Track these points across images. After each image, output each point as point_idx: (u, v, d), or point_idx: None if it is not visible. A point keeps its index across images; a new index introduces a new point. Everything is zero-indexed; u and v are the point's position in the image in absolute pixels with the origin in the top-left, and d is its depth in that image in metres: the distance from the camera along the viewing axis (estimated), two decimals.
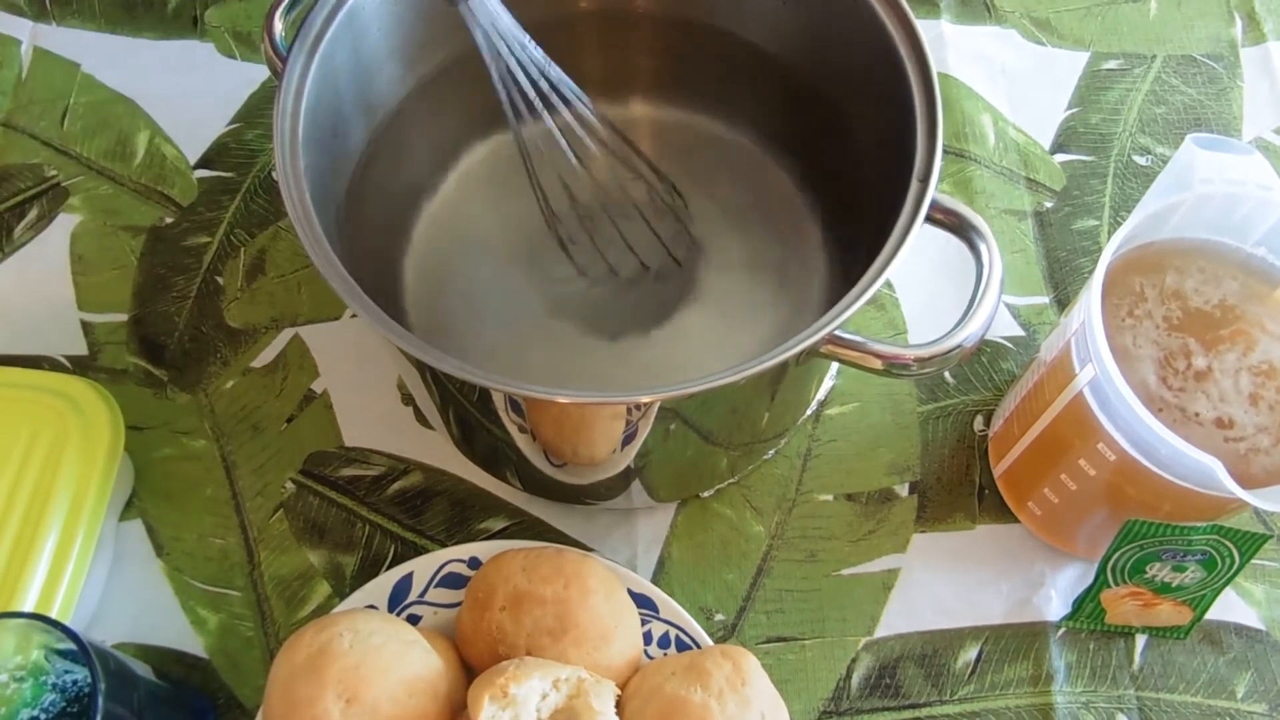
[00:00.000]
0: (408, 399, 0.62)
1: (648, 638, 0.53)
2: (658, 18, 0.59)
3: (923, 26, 0.49)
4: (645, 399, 0.43)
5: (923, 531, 0.59)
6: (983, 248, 0.45)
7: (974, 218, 0.46)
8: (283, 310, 0.64)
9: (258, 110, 0.70)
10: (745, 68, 0.59)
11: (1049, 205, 0.68)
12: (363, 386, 0.62)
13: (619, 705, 0.48)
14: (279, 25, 0.51)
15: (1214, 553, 0.49)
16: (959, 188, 0.68)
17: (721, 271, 0.59)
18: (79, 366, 0.62)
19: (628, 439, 0.49)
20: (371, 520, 0.59)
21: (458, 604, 0.53)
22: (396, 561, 0.57)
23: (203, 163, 0.68)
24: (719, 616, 0.57)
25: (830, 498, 0.60)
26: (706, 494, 0.60)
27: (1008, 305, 0.65)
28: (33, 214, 0.67)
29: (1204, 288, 0.50)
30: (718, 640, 0.56)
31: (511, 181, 0.61)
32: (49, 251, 0.66)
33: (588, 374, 0.58)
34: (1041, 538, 0.58)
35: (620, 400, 0.44)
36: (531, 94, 0.51)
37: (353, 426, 0.61)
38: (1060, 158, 0.69)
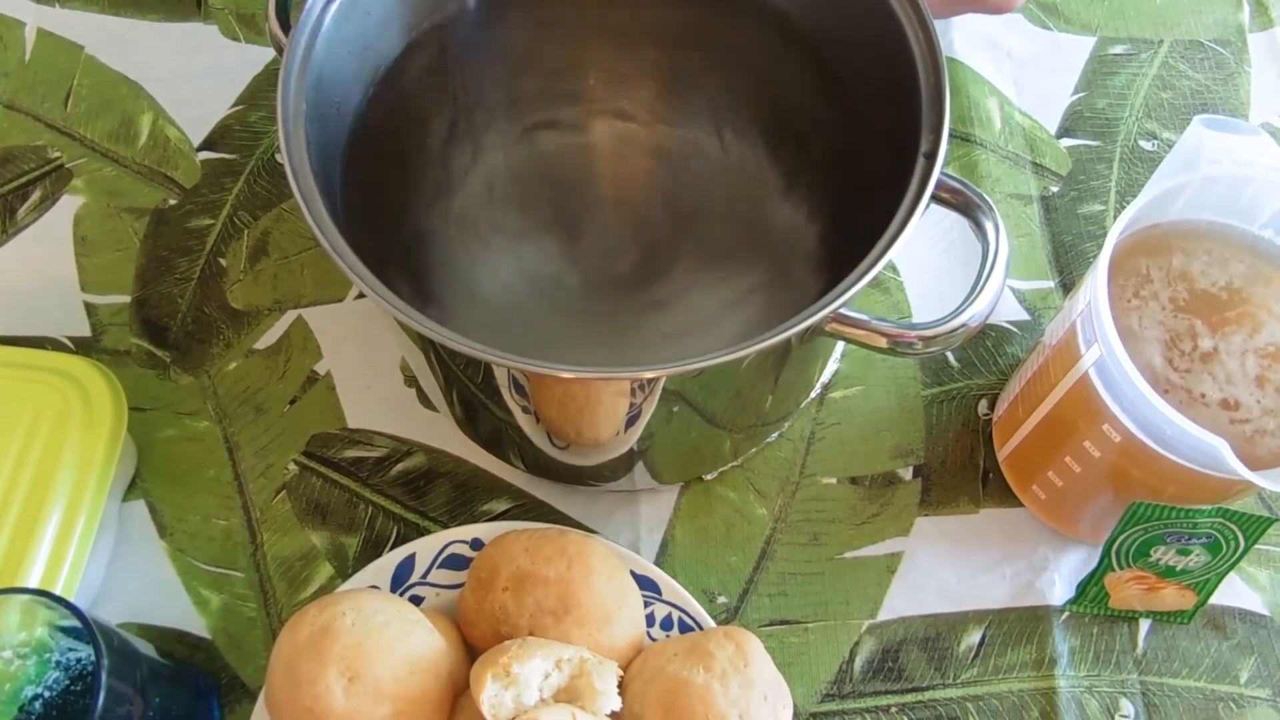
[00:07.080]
0: (411, 380, 0.62)
1: (650, 620, 0.53)
2: None
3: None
4: (649, 374, 0.43)
5: (926, 515, 0.59)
6: (989, 226, 0.45)
7: (980, 195, 0.46)
8: (286, 292, 0.64)
9: (261, 93, 0.70)
10: (750, 43, 0.58)
11: (1055, 190, 0.68)
12: (366, 368, 0.62)
13: (621, 686, 0.48)
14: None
15: (1219, 536, 0.49)
16: (965, 172, 0.68)
17: (724, 253, 0.59)
18: (82, 347, 0.62)
19: (631, 420, 0.48)
20: (374, 502, 0.59)
21: (460, 585, 0.53)
22: (399, 543, 0.57)
23: (206, 145, 0.68)
24: (722, 599, 0.57)
25: (834, 481, 0.60)
26: (710, 476, 0.59)
27: (1013, 289, 0.64)
28: (36, 195, 0.66)
29: (1211, 269, 0.49)
30: (720, 623, 0.56)
31: (511, 155, 0.60)
32: (52, 233, 0.65)
33: (590, 356, 0.58)
34: (1045, 521, 0.58)
35: (624, 375, 0.44)
36: None
37: (356, 408, 0.61)
38: (1066, 142, 0.69)
